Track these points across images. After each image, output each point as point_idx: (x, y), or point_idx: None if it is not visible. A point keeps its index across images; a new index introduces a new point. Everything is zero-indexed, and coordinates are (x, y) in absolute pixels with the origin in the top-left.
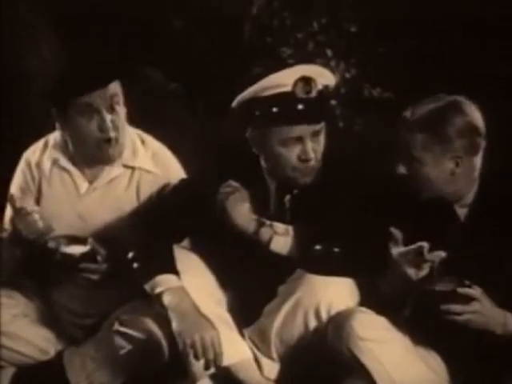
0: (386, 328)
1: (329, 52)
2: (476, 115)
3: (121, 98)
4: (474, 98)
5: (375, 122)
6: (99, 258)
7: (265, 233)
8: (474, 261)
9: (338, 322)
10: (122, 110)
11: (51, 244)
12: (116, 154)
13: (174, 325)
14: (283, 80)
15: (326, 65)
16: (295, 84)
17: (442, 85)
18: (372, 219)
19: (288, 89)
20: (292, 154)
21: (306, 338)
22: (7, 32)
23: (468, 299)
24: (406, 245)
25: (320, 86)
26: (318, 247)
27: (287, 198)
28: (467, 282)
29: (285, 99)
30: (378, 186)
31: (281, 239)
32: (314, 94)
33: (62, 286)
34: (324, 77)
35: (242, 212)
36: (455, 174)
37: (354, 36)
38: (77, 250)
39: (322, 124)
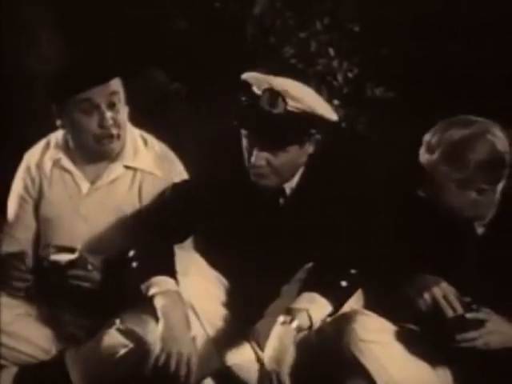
0: (389, 330)
1: (331, 51)
2: (503, 145)
3: (122, 96)
4: (476, 98)
5: (378, 122)
6: (89, 266)
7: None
8: (490, 276)
9: (340, 324)
10: (123, 108)
11: (41, 253)
12: (117, 149)
13: (160, 328)
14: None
15: (328, 64)
16: (263, 93)
17: (444, 85)
18: (375, 220)
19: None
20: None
21: (309, 339)
22: (9, 31)
23: (480, 322)
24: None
25: (293, 107)
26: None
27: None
28: (474, 306)
29: (252, 104)
30: (384, 188)
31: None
32: (279, 110)
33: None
34: (308, 102)
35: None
36: (477, 201)
37: (357, 35)
38: (64, 257)
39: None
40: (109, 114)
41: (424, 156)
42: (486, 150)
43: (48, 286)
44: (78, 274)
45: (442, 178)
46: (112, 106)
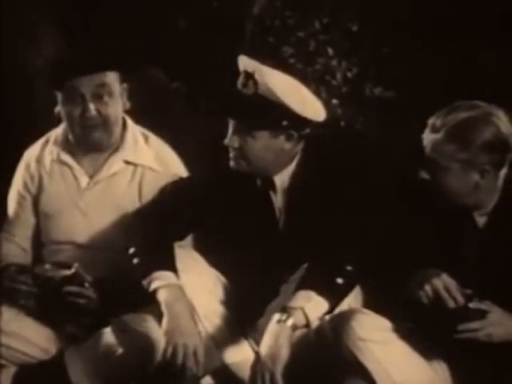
0: (387, 329)
1: (330, 51)
2: (507, 128)
3: (115, 90)
4: (475, 98)
5: (377, 121)
6: (86, 283)
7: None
8: (490, 269)
9: (338, 322)
10: (114, 102)
11: (37, 270)
12: (104, 141)
13: (164, 322)
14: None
15: (327, 64)
16: (241, 75)
17: (443, 84)
18: (372, 218)
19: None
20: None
21: (307, 338)
22: (8, 30)
23: (482, 313)
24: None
25: (263, 92)
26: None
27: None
28: (476, 298)
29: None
30: (383, 186)
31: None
32: (249, 91)
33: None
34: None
35: None
36: (479, 185)
37: (356, 35)
38: (58, 273)
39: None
40: (92, 106)
41: (428, 136)
42: (491, 131)
43: (45, 299)
44: (74, 291)
45: (445, 159)
46: (99, 97)
